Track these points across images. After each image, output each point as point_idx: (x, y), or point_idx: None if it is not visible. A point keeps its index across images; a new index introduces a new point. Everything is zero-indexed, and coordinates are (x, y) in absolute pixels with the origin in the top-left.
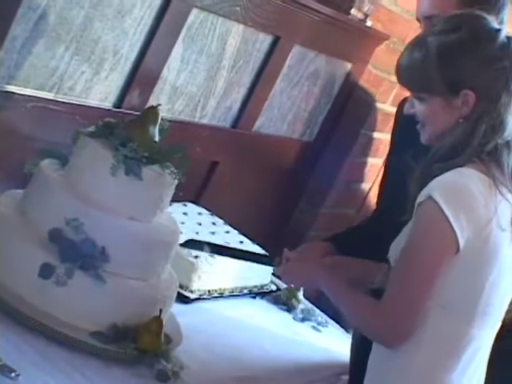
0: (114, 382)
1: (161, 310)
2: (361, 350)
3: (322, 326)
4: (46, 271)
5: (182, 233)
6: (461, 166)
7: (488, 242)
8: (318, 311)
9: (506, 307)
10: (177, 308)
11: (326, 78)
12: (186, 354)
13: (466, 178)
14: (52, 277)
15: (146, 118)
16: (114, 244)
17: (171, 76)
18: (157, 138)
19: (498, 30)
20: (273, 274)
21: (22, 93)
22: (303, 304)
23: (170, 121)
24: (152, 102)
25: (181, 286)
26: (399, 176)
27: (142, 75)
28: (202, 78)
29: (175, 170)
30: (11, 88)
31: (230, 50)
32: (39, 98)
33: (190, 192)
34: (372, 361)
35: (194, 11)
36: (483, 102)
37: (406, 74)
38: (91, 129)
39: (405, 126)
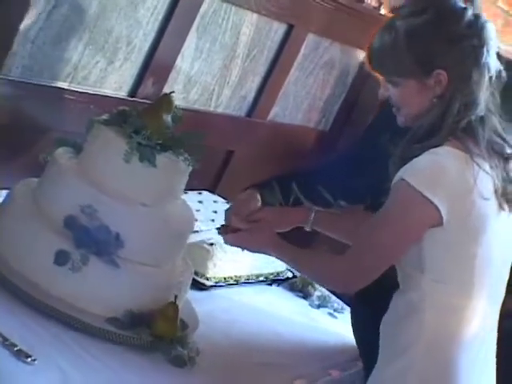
0: (130, 368)
1: (176, 296)
2: (362, 330)
3: (338, 313)
4: (61, 258)
5: (197, 220)
6: (437, 146)
7: (472, 212)
8: (334, 298)
9: (505, 278)
10: (193, 295)
11: (341, 66)
12: (203, 339)
13: (440, 157)
14: (67, 263)
15: (159, 105)
16: (128, 230)
17: (185, 65)
18: (170, 126)
19: (465, 9)
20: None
21: (36, 82)
22: (319, 291)
23: (184, 109)
24: (166, 90)
25: (197, 274)
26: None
27: (155, 64)
28: (216, 67)
29: (189, 157)
30: (26, 78)
31: (244, 39)
32: (54, 87)
33: (206, 181)
34: (381, 342)
35: (208, 0)
36: (455, 81)
37: (378, 59)
38: (105, 117)
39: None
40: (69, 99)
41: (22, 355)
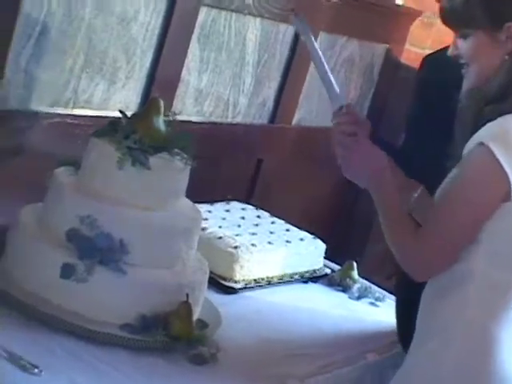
0: (147, 372)
1: (187, 295)
2: (406, 312)
3: (381, 301)
4: (66, 271)
5: (221, 227)
6: (509, 112)
7: None
8: (375, 288)
9: None
10: (222, 299)
11: (363, 62)
12: (228, 338)
13: None
14: (73, 276)
15: (148, 109)
16: (131, 235)
17: (193, 78)
18: (162, 128)
19: None
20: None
21: (37, 110)
22: (359, 283)
23: (201, 123)
24: (177, 105)
25: (224, 278)
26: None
27: (160, 80)
28: (226, 77)
29: (185, 156)
30: (25, 107)
31: (251, 45)
32: (56, 113)
33: (240, 193)
34: (418, 317)
35: (204, 9)
36: None
37: (449, 11)
38: (97, 130)
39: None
40: (73, 124)
41: (27, 367)
